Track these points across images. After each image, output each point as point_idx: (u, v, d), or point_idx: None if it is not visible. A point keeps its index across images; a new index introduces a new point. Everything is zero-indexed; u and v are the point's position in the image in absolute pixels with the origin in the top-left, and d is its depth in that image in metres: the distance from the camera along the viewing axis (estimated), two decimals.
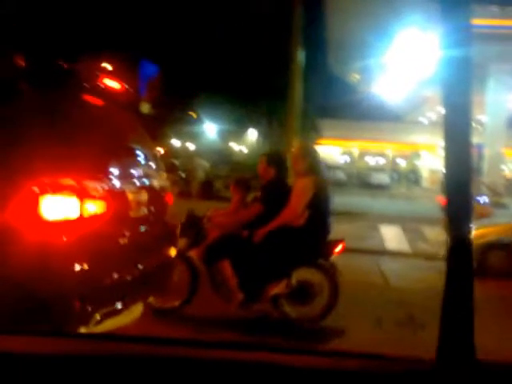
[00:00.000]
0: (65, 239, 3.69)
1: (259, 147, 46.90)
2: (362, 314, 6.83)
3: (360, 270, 9.65)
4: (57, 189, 3.72)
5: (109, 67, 5.42)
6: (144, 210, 4.66)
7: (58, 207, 3.70)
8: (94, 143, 4.18)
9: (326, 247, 6.25)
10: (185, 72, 34.16)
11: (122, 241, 4.28)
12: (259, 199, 6.51)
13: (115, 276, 4.05)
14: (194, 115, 41.87)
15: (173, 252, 5.12)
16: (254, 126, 45.23)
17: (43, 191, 3.66)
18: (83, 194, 3.84)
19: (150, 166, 5.11)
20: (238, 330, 5.96)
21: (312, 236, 6.14)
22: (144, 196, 4.69)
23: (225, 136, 43.10)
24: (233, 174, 27.44)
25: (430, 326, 5.21)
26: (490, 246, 9.78)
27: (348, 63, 28.18)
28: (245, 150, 48.82)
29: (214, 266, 6.26)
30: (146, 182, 4.82)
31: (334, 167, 38.97)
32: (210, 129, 43.72)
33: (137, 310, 4.52)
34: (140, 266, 4.39)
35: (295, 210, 6.08)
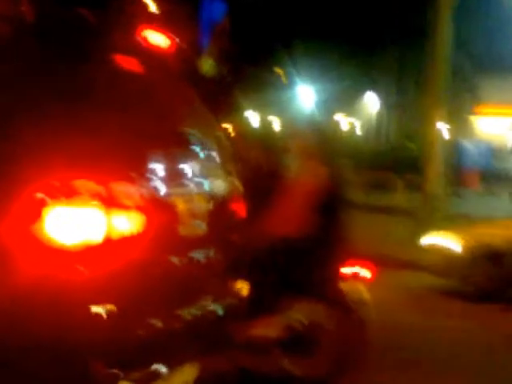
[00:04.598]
0: (83, 272, 3.80)
1: (381, 120, 46.11)
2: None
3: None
4: (71, 195, 3.84)
5: (153, 11, 5.56)
6: (201, 227, 4.76)
7: (74, 223, 3.82)
8: (128, 128, 4.30)
9: (341, 269, 6.22)
10: (266, 10, 34.02)
11: (168, 273, 4.37)
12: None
13: (156, 325, 4.15)
14: (282, 74, 41.71)
15: (243, 289, 5.19)
16: (374, 89, 44.62)
17: (52, 199, 3.80)
18: (111, 203, 3.95)
19: (212, 159, 5.19)
20: None
21: (320, 252, 6.11)
22: (202, 205, 4.79)
23: (328, 105, 42.79)
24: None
25: None
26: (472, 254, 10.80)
27: None
28: (359, 126, 48.28)
29: None
30: (206, 183, 4.92)
31: (503, 151, 37.37)
32: (305, 94, 43.49)
33: (188, 373, 4.63)
34: (193, 311, 4.50)
35: (294, 213, 6.07)
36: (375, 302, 6.40)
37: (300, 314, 6.18)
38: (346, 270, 6.27)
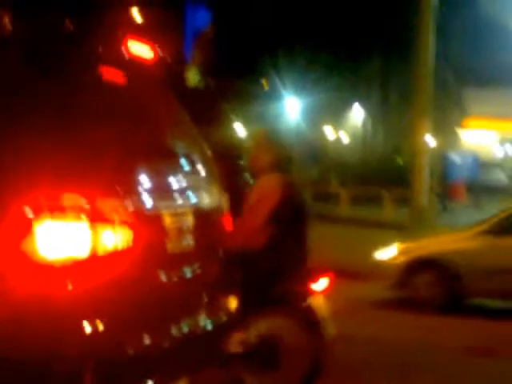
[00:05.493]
0: (70, 288, 3.80)
1: (366, 133, 46.18)
2: None
3: None
4: (59, 210, 3.84)
5: (137, 21, 5.55)
6: (189, 242, 4.76)
7: (61, 238, 3.82)
8: (114, 142, 4.29)
9: (302, 282, 6.24)
10: (252, 19, 34.11)
11: (156, 289, 4.37)
12: None
13: (145, 342, 4.15)
14: (266, 85, 41.85)
15: (233, 305, 5.19)
16: (361, 102, 44.75)
17: (39, 214, 3.79)
18: (98, 218, 3.94)
19: (199, 174, 5.20)
20: None
21: (277, 264, 6.14)
22: (190, 219, 4.79)
23: (316, 117, 42.87)
24: (327, 178, 26.86)
25: None
26: (417, 265, 11.18)
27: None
28: (346, 138, 48.34)
29: None
30: (193, 198, 4.92)
31: (489, 164, 37.69)
32: (292, 106, 43.58)
33: None
34: (183, 328, 4.49)
35: (252, 224, 6.13)
36: (334, 315, 6.49)
37: (265, 328, 6.23)
38: (309, 283, 6.32)
